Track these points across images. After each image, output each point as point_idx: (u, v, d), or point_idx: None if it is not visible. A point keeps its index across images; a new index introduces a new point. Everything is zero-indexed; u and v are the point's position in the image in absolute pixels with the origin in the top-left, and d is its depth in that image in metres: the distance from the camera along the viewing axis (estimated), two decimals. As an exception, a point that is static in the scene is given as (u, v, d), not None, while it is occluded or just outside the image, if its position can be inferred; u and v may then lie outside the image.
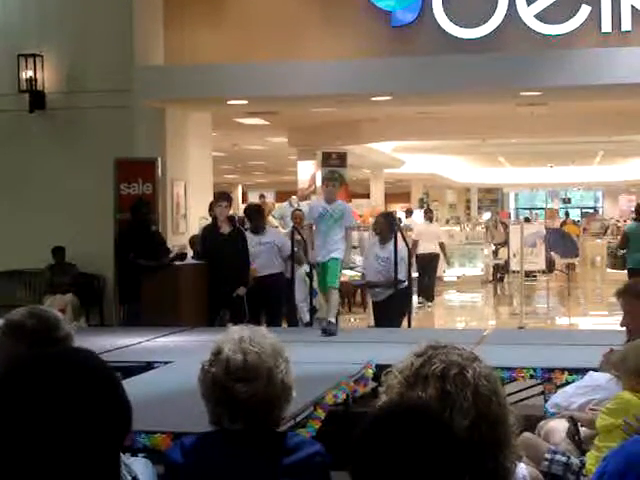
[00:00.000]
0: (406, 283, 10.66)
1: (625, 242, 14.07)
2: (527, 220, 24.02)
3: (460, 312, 18.63)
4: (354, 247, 18.71)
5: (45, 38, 12.66)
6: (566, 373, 6.40)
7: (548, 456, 4.53)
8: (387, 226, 10.63)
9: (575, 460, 4.37)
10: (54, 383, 1.71)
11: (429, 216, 19.84)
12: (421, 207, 26.90)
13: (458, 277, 23.05)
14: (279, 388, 2.96)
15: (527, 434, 5.06)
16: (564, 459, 4.47)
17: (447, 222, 30.91)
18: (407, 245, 10.79)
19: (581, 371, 5.95)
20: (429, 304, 17.88)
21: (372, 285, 10.79)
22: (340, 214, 9.53)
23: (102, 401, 1.74)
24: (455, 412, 2.16)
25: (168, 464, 2.93)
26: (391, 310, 10.52)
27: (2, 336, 3.39)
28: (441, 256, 18.79)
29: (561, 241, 21.18)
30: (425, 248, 17.80)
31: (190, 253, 11.71)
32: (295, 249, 11.19)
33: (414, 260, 15.20)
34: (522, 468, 2.45)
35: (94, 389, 1.74)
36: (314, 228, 9.78)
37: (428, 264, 17.83)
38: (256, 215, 11.44)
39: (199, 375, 3.02)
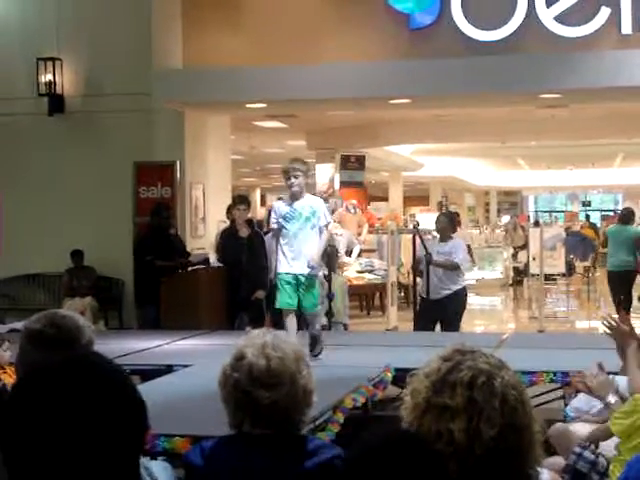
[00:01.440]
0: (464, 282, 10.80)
1: (605, 244, 14.87)
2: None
3: (479, 315, 18.53)
4: (372, 250, 18.74)
5: (64, 42, 12.69)
6: (586, 377, 6.34)
7: (577, 450, 4.50)
8: (449, 225, 10.80)
9: (602, 460, 4.34)
10: (69, 388, 1.73)
11: (457, 221, 19.70)
12: (440, 210, 26.83)
13: (477, 280, 22.98)
14: (301, 393, 2.96)
15: (560, 424, 5.03)
16: (592, 457, 4.43)
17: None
18: (426, 249, 10.72)
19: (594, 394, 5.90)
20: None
21: (438, 264, 10.49)
22: (311, 211, 7.72)
23: (116, 402, 1.75)
24: (482, 421, 2.15)
25: (187, 467, 2.94)
26: (450, 310, 10.45)
27: (24, 344, 3.38)
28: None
29: (580, 244, 21.12)
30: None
31: (214, 256, 11.70)
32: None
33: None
34: (544, 473, 2.44)
35: (107, 391, 1.75)
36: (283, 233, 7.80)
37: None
38: None
39: (220, 379, 3.01)
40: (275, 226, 7.81)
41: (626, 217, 14.98)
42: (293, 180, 7.64)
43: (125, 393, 1.80)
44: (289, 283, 7.69)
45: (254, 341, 3.00)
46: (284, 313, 7.78)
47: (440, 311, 10.42)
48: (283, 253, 7.72)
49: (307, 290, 7.70)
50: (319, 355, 7.63)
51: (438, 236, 10.90)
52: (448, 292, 10.42)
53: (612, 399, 4.32)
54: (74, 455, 1.68)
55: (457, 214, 21.20)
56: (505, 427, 2.17)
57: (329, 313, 11.13)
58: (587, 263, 20.96)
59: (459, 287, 10.58)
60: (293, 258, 7.68)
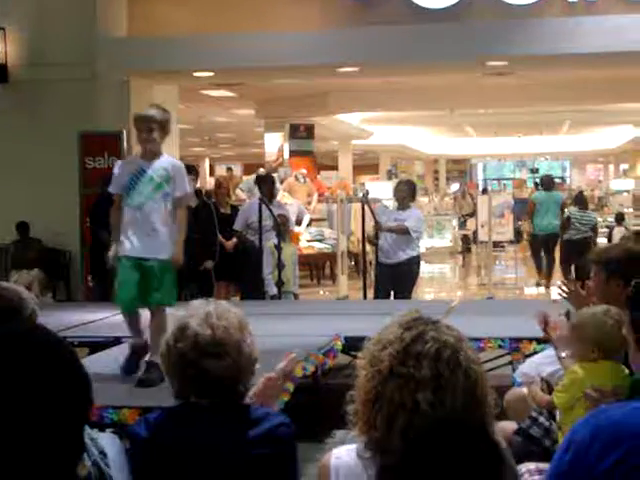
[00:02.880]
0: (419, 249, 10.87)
1: (533, 210, 15.81)
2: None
3: (428, 283, 18.67)
4: (322, 220, 18.69)
5: (7, 11, 12.48)
6: (534, 343, 6.39)
7: (533, 414, 4.54)
8: (409, 193, 10.78)
9: (556, 427, 4.38)
10: (12, 361, 1.70)
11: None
12: (389, 179, 26.89)
13: (427, 248, 23.11)
14: (246, 361, 2.95)
15: (517, 389, 5.07)
16: (547, 424, 4.46)
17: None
18: (375, 219, 10.73)
19: (549, 340, 5.96)
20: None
21: (387, 229, 10.51)
22: (165, 176, 5.66)
23: (60, 376, 1.73)
24: (448, 394, 2.17)
25: (132, 439, 2.91)
26: (403, 276, 10.49)
27: None
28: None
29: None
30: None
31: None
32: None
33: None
34: None
35: (51, 365, 1.73)
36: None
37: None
38: (265, 185, 11.43)
39: (162, 351, 2.98)
40: (116, 192, 5.76)
41: (549, 184, 16.33)
42: (145, 135, 5.73)
43: (67, 366, 1.78)
44: (130, 269, 5.58)
45: (197, 311, 2.97)
46: (122, 314, 5.80)
47: (395, 277, 10.46)
48: (125, 230, 5.61)
49: (156, 275, 5.59)
50: (152, 384, 5.21)
51: (396, 204, 10.91)
52: (404, 257, 10.44)
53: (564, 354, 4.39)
54: (15, 428, 1.66)
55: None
56: (467, 400, 2.20)
57: (279, 282, 11.09)
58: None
59: (414, 253, 10.62)
60: (137, 236, 5.59)
